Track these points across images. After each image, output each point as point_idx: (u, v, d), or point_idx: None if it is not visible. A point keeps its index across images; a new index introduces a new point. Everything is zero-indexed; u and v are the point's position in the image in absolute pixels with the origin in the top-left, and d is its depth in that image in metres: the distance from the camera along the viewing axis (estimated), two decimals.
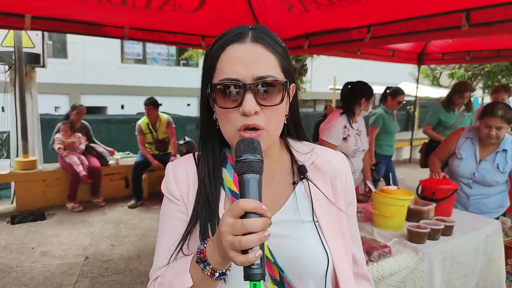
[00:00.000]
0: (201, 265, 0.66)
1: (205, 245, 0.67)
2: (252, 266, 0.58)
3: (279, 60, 0.73)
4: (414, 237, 1.87)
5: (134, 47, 14.90)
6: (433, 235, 1.90)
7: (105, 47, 12.79)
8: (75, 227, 4.31)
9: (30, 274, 3.16)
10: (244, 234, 0.57)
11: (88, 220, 4.55)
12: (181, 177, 0.81)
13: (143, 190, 5.38)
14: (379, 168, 4.05)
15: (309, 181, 0.80)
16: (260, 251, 0.58)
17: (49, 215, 4.67)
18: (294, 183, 0.80)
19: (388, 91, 4.28)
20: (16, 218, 4.46)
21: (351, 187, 0.85)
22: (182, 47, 10.91)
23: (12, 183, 5.07)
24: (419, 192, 2.45)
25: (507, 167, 2.38)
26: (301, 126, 0.87)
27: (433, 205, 2.16)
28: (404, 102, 4.27)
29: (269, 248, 0.74)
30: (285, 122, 0.79)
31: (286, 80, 0.73)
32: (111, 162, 5.51)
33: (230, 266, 0.67)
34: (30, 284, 3.00)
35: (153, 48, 15.20)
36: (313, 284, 0.75)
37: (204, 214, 0.75)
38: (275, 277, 0.73)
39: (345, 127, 2.81)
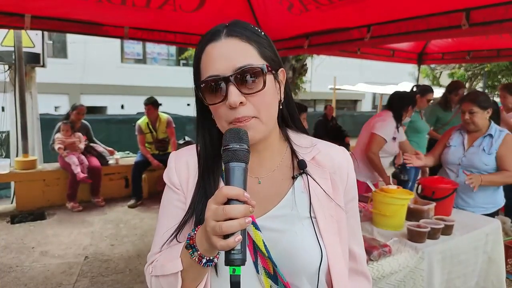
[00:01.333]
0: (190, 250, 0.69)
1: (195, 232, 0.70)
2: (232, 252, 0.60)
3: (257, 48, 0.73)
4: (414, 236, 1.87)
5: (134, 47, 14.90)
6: (433, 234, 1.90)
7: (105, 47, 12.79)
8: (75, 226, 4.30)
9: (29, 274, 3.16)
10: (225, 220, 0.59)
11: (88, 219, 4.55)
12: (182, 167, 0.84)
13: (143, 189, 5.38)
14: (408, 170, 3.93)
15: (308, 176, 0.80)
16: (240, 236, 0.59)
17: (49, 214, 4.67)
18: (294, 178, 0.81)
19: (415, 89, 4.22)
20: (16, 217, 4.46)
21: (352, 183, 0.85)
22: (182, 46, 10.91)
23: (12, 183, 5.07)
24: (419, 191, 2.45)
25: (492, 148, 2.42)
26: (296, 110, 0.87)
27: (433, 204, 2.16)
28: (432, 101, 4.24)
29: (264, 242, 0.75)
30: (280, 107, 0.80)
31: (264, 64, 0.73)
32: (111, 161, 5.51)
33: (218, 254, 0.69)
34: (30, 284, 3.00)
35: (153, 48, 15.20)
36: (306, 280, 0.76)
37: (201, 206, 0.77)
38: (269, 271, 0.75)
39: (396, 127, 3.12)
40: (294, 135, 0.86)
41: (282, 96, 0.80)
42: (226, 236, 0.60)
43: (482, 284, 2.16)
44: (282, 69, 0.80)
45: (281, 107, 0.80)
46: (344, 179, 0.83)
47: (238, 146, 0.65)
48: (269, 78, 0.74)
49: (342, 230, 0.81)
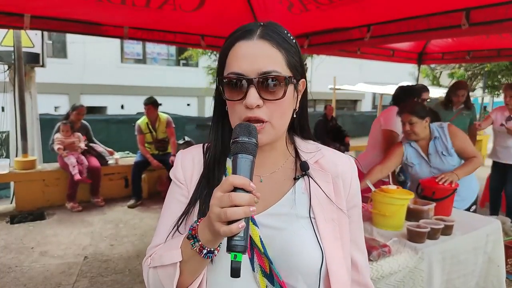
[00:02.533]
0: (191, 241, 0.69)
1: (197, 223, 0.71)
2: (235, 238, 0.61)
3: (285, 56, 0.74)
4: (414, 237, 1.86)
5: (134, 47, 14.89)
6: (432, 235, 1.89)
7: (105, 47, 12.80)
8: (74, 227, 4.30)
9: (29, 274, 3.15)
10: (230, 207, 0.60)
11: (87, 220, 4.55)
12: (187, 163, 0.86)
13: (142, 189, 5.38)
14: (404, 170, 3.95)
15: (310, 178, 0.81)
16: (244, 223, 0.60)
17: (49, 215, 4.67)
18: (295, 179, 0.82)
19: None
20: (15, 218, 4.46)
21: (355, 190, 0.85)
22: (182, 46, 10.90)
23: (12, 183, 5.07)
24: (419, 191, 2.45)
25: (449, 148, 2.48)
26: (307, 123, 0.88)
27: (433, 204, 2.15)
28: (429, 100, 4.18)
29: (260, 238, 0.75)
30: (294, 116, 0.81)
31: (290, 75, 0.74)
32: (110, 162, 5.51)
33: (219, 246, 0.70)
34: (29, 284, 3.00)
35: (153, 48, 15.19)
36: (302, 280, 0.75)
37: (204, 197, 0.78)
38: (265, 269, 0.75)
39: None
40: (300, 140, 0.88)
41: (298, 106, 0.81)
42: (229, 223, 0.61)
43: (482, 285, 2.16)
44: (303, 79, 0.81)
45: (295, 116, 0.81)
46: (347, 185, 0.83)
47: (247, 139, 0.67)
48: (290, 88, 0.75)
49: (344, 236, 0.80)
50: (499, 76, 12.92)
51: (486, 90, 13.82)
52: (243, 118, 0.73)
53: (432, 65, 13.06)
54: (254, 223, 0.76)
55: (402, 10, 2.76)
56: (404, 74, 13.81)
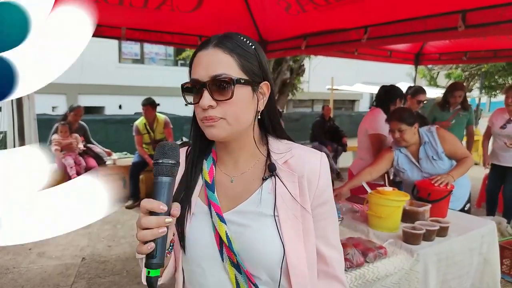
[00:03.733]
0: None
1: None
2: (149, 256, 0.69)
3: (238, 60, 0.81)
4: (409, 238, 1.87)
5: (132, 47, 14.84)
6: (428, 236, 1.90)
7: (103, 47, 12.73)
8: None
9: (26, 275, 3.15)
10: (143, 229, 0.69)
11: None
12: None
13: (140, 190, 5.36)
14: None
15: (276, 179, 0.86)
16: (152, 245, 0.68)
17: None
18: (263, 179, 0.87)
19: (409, 90, 4.15)
20: None
21: (323, 187, 0.87)
22: (179, 47, 10.90)
23: None
24: (414, 193, 2.46)
25: (439, 152, 2.49)
26: (278, 122, 0.94)
27: (429, 206, 2.16)
28: (425, 102, 4.10)
29: (226, 234, 0.84)
30: (259, 117, 0.87)
31: (241, 77, 0.80)
32: (108, 162, 5.50)
33: (171, 245, 0.81)
34: (27, 285, 2.99)
35: (151, 48, 15.15)
36: (265, 273, 0.83)
37: (180, 198, 0.87)
38: (232, 260, 0.84)
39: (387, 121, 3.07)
40: (273, 141, 0.92)
41: (262, 107, 0.86)
42: (146, 242, 0.69)
43: (478, 285, 2.17)
44: (265, 82, 0.86)
45: (259, 117, 0.87)
46: (314, 183, 0.86)
47: (161, 161, 0.72)
48: (243, 89, 0.81)
49: (308, 232, 0.85)
50: (496, 77, 12.98)
51: (483, 91, 13.88)
52: (201, 118, 0.82)
53: (429, 66, 13.10)
54: (222, 220, 0.85)
55: (399, 11, 2.77)
56: (402, 74, 13.83)
